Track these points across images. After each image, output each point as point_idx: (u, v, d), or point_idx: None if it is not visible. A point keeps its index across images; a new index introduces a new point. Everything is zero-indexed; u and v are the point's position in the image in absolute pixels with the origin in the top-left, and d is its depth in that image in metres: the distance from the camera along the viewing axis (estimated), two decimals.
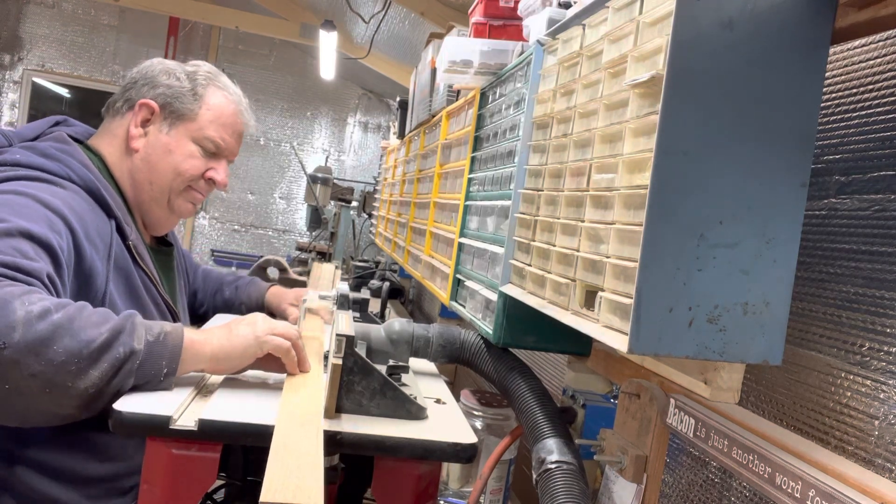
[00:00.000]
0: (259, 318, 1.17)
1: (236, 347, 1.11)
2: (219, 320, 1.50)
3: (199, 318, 1.93)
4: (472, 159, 1.44)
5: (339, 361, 1.01)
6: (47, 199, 1.20)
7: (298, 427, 0.90)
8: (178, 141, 1.50)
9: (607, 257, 0.77)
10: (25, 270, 1.06)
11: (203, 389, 1.12)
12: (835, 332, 0.82)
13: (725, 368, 0.86)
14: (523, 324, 1.14)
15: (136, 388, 1.04)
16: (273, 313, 1.88)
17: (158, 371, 1.04)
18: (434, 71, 1.95)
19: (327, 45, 4.77)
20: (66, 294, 1.19)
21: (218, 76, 1.57)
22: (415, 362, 1.28)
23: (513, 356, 1.22)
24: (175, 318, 1.52)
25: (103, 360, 1.00)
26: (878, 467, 0.74)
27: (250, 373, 1.16)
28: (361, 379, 1.04)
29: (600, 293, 0.77)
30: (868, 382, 0.77)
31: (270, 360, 1.13)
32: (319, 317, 1.62)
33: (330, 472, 1.10)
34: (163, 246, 1.67)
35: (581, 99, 0.92)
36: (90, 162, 1.40)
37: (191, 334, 1.10)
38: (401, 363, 1.20)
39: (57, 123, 1.50)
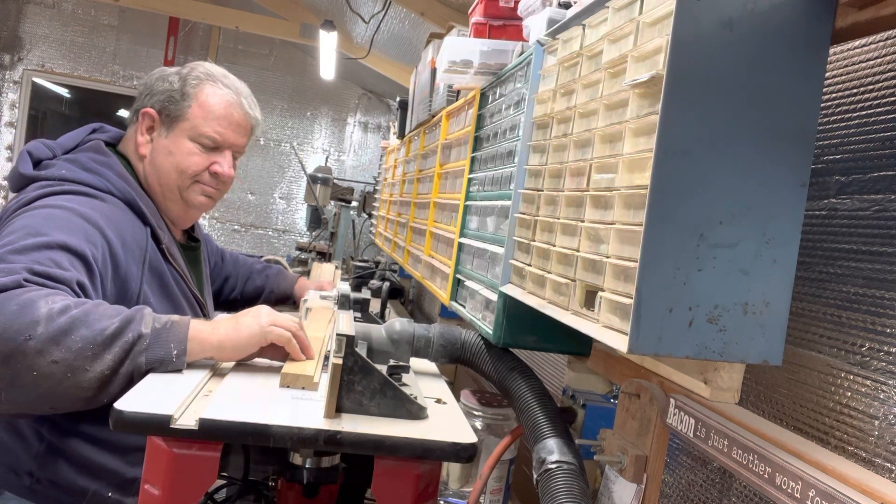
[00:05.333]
0: (263, 310, 1.24)
1: (241, 336, 1.19)
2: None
3: (230, 303, 2.11)
4: (472, 159, 1.44)
5: (340, 361, 1.01)
6: (87, 213, 1.35)
7: (303, 361, 1.21)
8: (176, 142, 1.58)
9: (607, 257, 0.77)
10: (56, 278, 1.19)
11: (217, 372, 1.20)
12: (835, 332, 0.82)
13: (725, 368, 0.86)
14: (523, 324, 1.14)
15: (151, 370, 1.13)
16: (297, 302, 2.11)
17: (168, 353, 1.14)
18: (434, 71, 1.95)
19: (327, 45, 4.77)
20: (100, 296, 1.31)
21: (212, 72, 1.63)
22: (416, 362, 1.28)
23: (513, 356, 1.22)
24: (203, 308, 1.66)
25: (115, 345, 1.12)
26: (878, 467, 0.74)
27: (257, 360, 1.24)
28: (362, 378, 1.04)
29: (600, 293, 0.77)
30: (868, 382, 0.77)
31: (274, 349, 1.21)
32: (328, 309, 1.65)
33: (330, 472, 1.10)
34: (191, 241, 1.80)
35: (581, 99, 0.92)
36: (126, 173, 1.53)
37: (197, 324, 1.20)
38: (401, 363, 1.20)
39: (94, 131, 1.62)
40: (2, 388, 1.09)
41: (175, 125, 1.58)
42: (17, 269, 1.16)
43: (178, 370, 1.15)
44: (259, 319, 1.21)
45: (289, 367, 1.16)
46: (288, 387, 1.12)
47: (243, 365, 1.24)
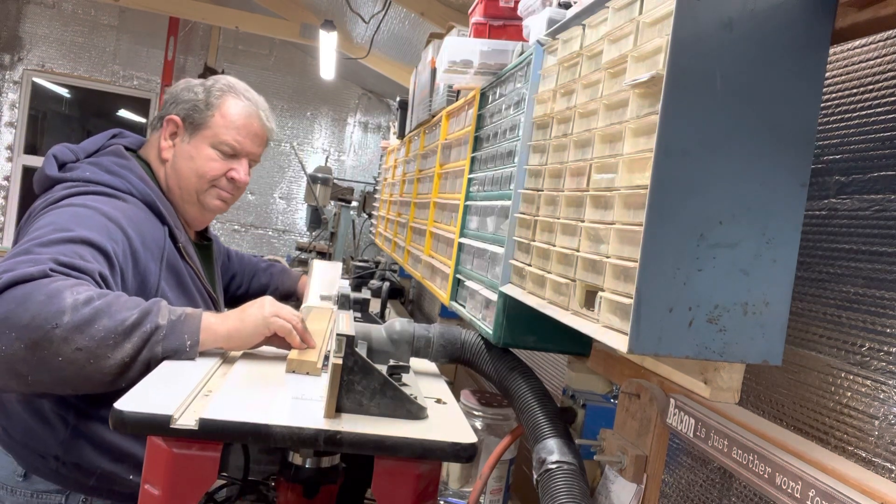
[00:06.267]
0: (267, 301, 1.33)
1: (247, 326, 1.28)
2: None
3: (236, 300, 2.19)
4: (472, 159, 1.44)
5: (340, 361, 1.01)
6: (109, 212, 1.44)
7: (306, 350, 1.30)
8: (197, 147, 1.71)
9: (607, 257, 0.77)
10: (80, 269, 1.27)
11: (226, 360, 1.28)
12: (835, 332, 0.82)
13: (725, 368, 0.86)
14: (523, 324, 1.14)
15: (167, 359, 1.21)
16: (300, 299, 2.21)
17: (183, 343, 1.23)
18: (434, 71, 1.95)
19: (327, 45, 4.76)
20: (120, 290, 1.38)
21: (235, 86, 1.77)
22: (416, 362, 1.28)
23: (513, 356, 1.22)
24: (215, 304, 1.78)
25: (134, 335, 1.20)
26: (877, 467, 0.74)
27: (265, 348, 1.33)
28: (362, 378, 1.04)
29: (600, 293, 0.77)
30: (868, 382, 0.77)
31: (279, 338, 1.30)
32: (327, 309, 1.71)
33: (330, 472, 1.10)
34: (204, 240, 1.92)
35: (581, 99, 0.92)
36: (146, 175, 1.64)
37: (208, 316, 1.28)
38: (401, 363, 1.20)
39: (114, 136, 1.73)
40: (28, 372, 1.17)
41: (197, 132, 1.70)
42: (44, 260, 1.23)
43: (191, 359, 1.23)
44: (263, 310, 1.29)
45: (294, 354, 1.26)
46: (293, 372, 1.22)
47: (244, 364, 1.26)
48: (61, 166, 1.59)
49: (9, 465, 1.49)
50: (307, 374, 1.22)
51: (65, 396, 1.43)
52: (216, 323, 1.28)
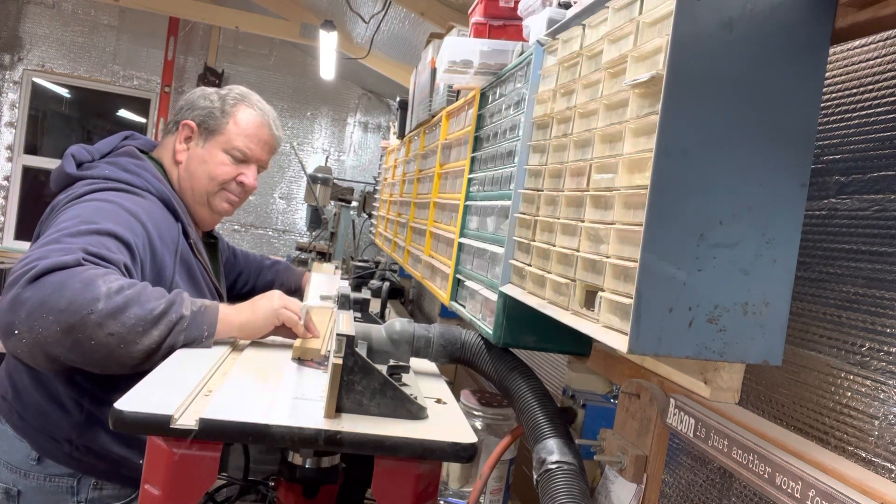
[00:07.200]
0: (276, 295, 1.44)
1: (258, 318, 1.40)
2: None
3: (243, 296, 2.21)
4: (472, 159, 1.44)
5: (340, 361, 1.01)
6: (130, 208, 1.54)
7: (310, 339, 1.41)
8: (210, 152, 1.82)
9: (607, 257, 0.77)
10: (107, 259, 1.35)
11: (234, 351, 1.37)
12: (835, 332, 0.82)
13: (725, 368, 0.86)
14: (523, 324, 1.14)
15: (186, 346, 1.31)
16: (302, 296, 2.33)
17: (201, 333, 1.33)
18: (434, 71, 1.95)
19: (327, 45, 4.76)
20: (139, 279, 1.47)
21: (248, 96, 1.89)
22: (416, 362, 1.28)
23: (513, 356, 1.22)
24: (220, 297, 1.90)
25: (161, 323, 1.29)
26: (877, 467, 0.74)
27: (272, 337, 1.44)
28: (362, 378, 1.04)
29: (600, 293, 0.77)
30: (868, 382, 0.77)
31: (286, 329, 1.41)
32: (327, 309, 1.76)
33: (330, 472, 1.10)
34: (210, 238, 2.05)
35: (581, 99, 0.92)
36: (160, 175, 1.74)
37: (224, 308, 1.40)
38: (401, 363, 1.20)
39: (126, 138, 1.84)
40: (61, 353, 1.26)
41: (211, 138, 1.82)
42: (75, 249, 1.31)
43: (207, 347, 1.33)
44: (272, 303, 1.41)
45: (299, 342, 1.37)
46: (299, 359, 1.33)
47: (251, 352, 1.35)
48: (79, 165, 1.67)
49: (23, 450, 1.55)
50: (311, 360, 1.33)
51: (79, 382, 1.50)
52: (231, 314, 1.38)
